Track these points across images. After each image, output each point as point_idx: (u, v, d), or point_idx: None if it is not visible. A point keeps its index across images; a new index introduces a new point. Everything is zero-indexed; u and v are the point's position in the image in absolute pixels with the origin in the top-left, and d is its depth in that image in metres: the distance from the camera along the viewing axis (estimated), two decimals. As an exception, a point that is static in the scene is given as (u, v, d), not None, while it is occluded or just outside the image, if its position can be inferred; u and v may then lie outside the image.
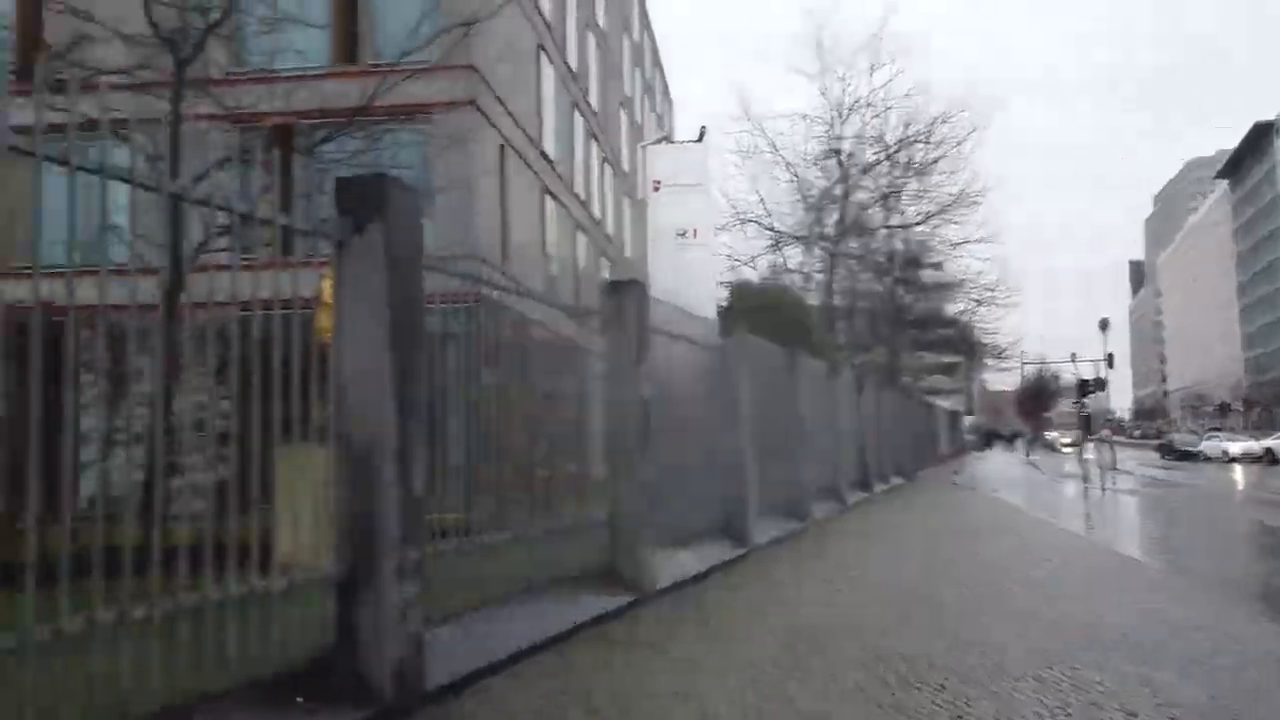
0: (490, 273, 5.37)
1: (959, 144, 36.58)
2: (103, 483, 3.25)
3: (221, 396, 3.69)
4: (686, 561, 7.17)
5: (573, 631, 5.12)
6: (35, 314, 2.71)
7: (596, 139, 32.11)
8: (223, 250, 3.81)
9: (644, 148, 32.35)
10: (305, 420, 3.75)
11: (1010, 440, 71.60)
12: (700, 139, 28.53)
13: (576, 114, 29.12)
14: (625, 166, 37.83)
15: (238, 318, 3.50)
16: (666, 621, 5.64)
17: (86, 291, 2.82)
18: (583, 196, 29.42)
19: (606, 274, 30.44)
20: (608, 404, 6.50)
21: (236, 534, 3.35)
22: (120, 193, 3.01)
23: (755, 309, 19.32)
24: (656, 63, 49.36)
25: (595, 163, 32.02)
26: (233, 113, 10.28)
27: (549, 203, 24.94)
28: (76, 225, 2.86)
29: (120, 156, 3.01)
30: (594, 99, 31.98)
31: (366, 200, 3.84)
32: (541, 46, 24.69)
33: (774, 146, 36.10)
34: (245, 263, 3.57)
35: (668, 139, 37.92)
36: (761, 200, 36.89)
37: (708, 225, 26.95)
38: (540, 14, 24.49)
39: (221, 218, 3.49)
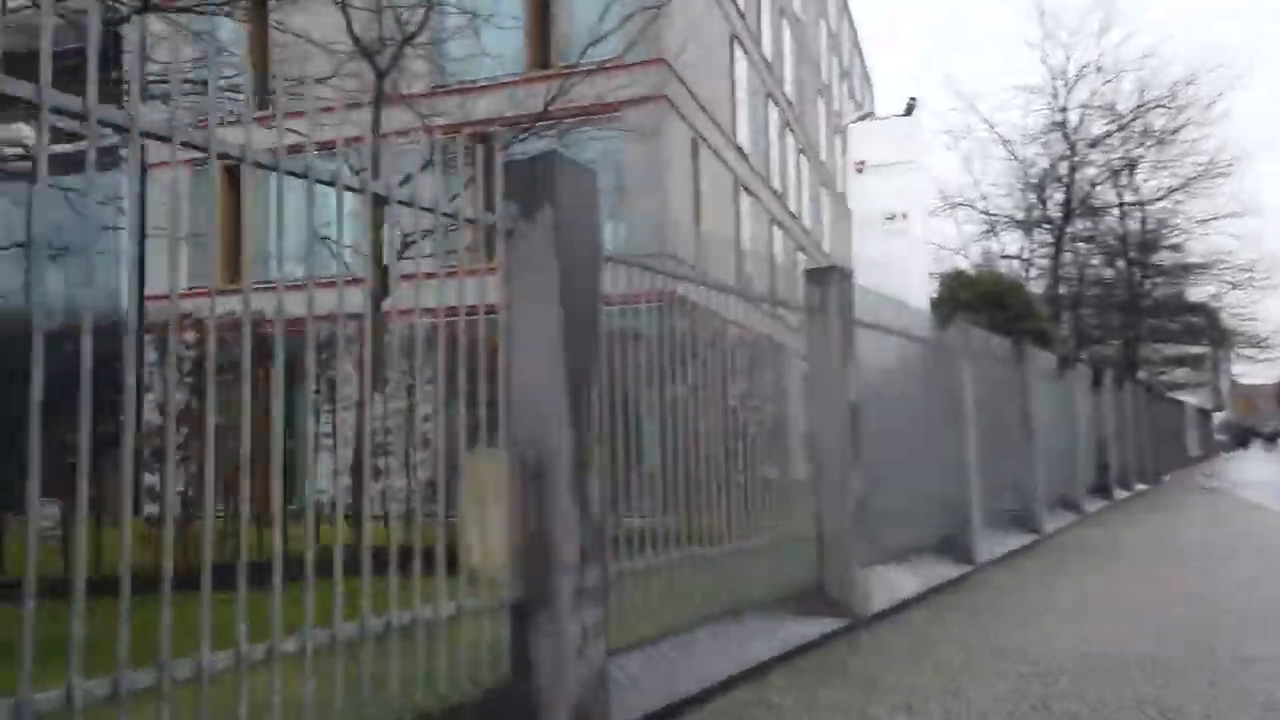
0: (681, 268, 4.90)
1: (1208, 106, 32.50)
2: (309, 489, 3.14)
3: (419, 402, 3.56)
4: (902, 581, 6.41)
5: (775, 662, 4.56)
6: (280, 324, 2.71)
7: (792, 129, 31.19)
8: (426, 256, 3.68)
9: (846, 126, 30.91)
10: (480, 427, 3.46)
11: (1271, 439, 63.60)
12: (908, 112, 26.84)
13: (771, 104, 28.38)
14: (823, 157, 36.56)
15: (433, 323, 3.30)
16: (882, 653, 4.95)
17: (297, 303, 2.84)
18: (778, 190, 28.62)
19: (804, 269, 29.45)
20: (810, 406, 5.88)
21: (422, 545, 3.10)
22: (326, 206, 2.99)
23: (971, 299, 17.84)
24: (856, 48, 47.52)
25: (791, 154, 31.11)
26: (431, 124, 10.49)
27: (743, 197, 24.37)
28: (313, 242, 2.94)
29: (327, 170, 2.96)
30: (789, 88, 31.08)
31: (535, 183, 3.47)
32: (735, 37, 24.18)
33: (989, 124, 33.58)
34: (433, 268, 3.42)
35: (871, 115, 36.09)
36: (975, 183, 34.42)
37: (918, 207, 25.26)
38: (733, 3, 23.98)
39: (414, 225, 3.32)
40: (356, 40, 9.02)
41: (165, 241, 2.64)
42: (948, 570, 7.18)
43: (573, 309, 3.44)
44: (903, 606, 6.04)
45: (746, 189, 24.61)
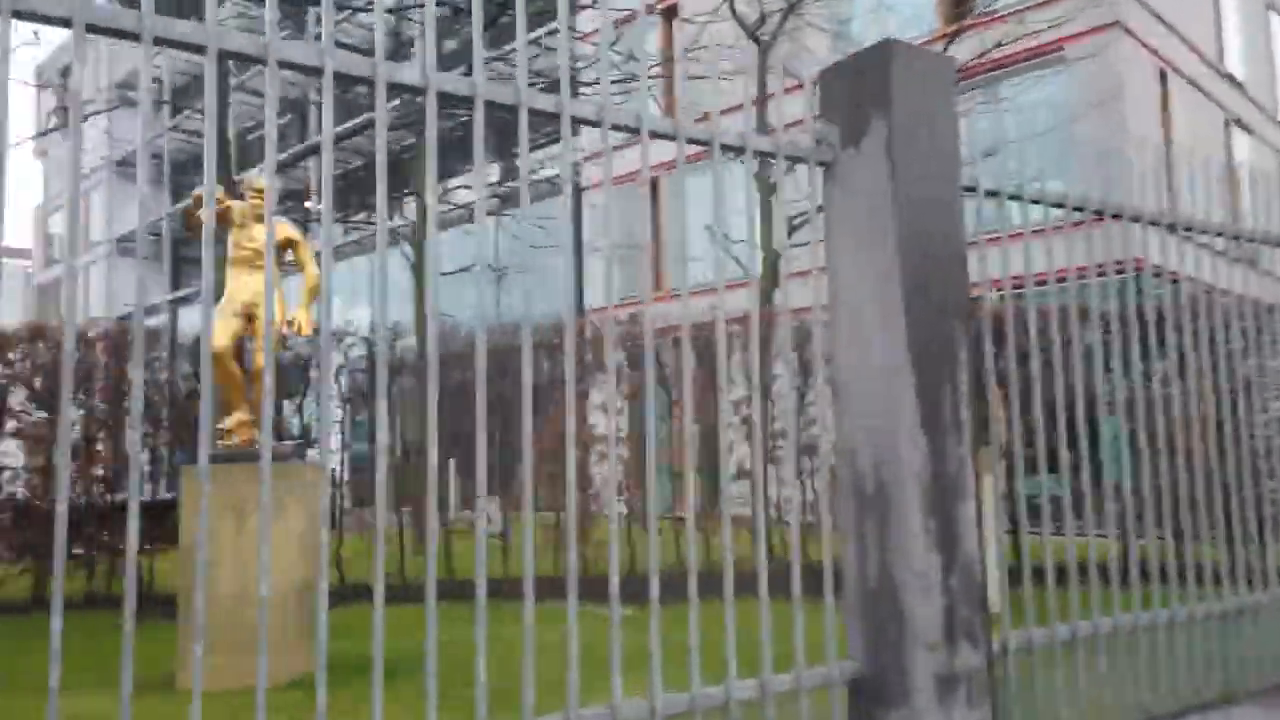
0: (1154, 212, 3.49)
1: None
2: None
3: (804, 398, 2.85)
4: None
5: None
6: (719, 327, 2.31)
7: (1308, 44, 24.65)
8: (801, 245, 3.02)
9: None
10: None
11: None
12: None
13: (1274, 17, 22.70)
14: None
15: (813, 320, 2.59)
16: None
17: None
18: (1290, 122, 22.76)
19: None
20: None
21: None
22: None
23: None
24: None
25: (1309, 75, 24.60)
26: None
27: (1237, 135, 19.70)
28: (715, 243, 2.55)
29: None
30: (1300, -7, 24.62)
31: (861, 92, 2.46)
32: (1214, -59, 19.67)
33: None
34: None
35: None
36: None
37: None
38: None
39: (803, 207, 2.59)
40: (736, 15, 8.50)
41: (595, 258, 2.48)
42: None
43: (919, 265, 2.38)
44: None
45: (1240, 124, 19.85)
